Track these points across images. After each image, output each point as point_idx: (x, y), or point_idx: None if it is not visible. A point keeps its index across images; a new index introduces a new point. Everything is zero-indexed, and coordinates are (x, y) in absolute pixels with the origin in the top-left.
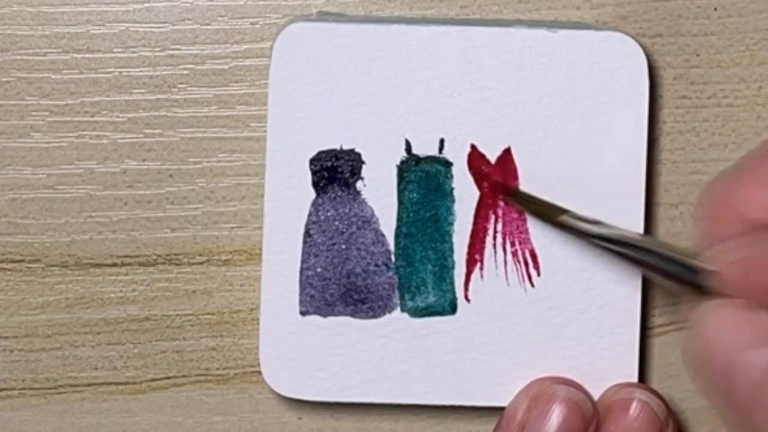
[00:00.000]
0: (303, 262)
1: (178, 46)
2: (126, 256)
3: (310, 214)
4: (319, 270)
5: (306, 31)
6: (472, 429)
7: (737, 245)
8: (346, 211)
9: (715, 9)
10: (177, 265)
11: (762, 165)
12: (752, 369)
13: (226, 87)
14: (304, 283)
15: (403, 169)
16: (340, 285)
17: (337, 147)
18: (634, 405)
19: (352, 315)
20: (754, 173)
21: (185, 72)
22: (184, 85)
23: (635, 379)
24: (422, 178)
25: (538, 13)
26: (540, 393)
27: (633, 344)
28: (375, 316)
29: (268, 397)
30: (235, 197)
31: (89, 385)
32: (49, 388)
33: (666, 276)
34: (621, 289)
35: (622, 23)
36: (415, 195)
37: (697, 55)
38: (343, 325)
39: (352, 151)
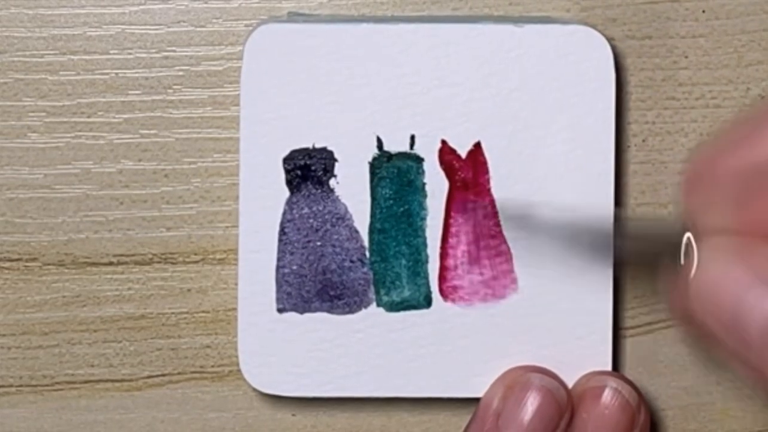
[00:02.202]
0: (279, 259)
1: (174, 48)
2: (122, 255)
3: (284, 213)
4: (294, 267)
5: (276, 32)
6: (463, 424)
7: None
8: (320, 208)
9: (704, 11)
10: (172, 263)
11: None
12: (761, 307)
13: (220, 88)
14: (281, 280)
15: (375, 166)
16: (316, 282)
17: (310, 146)
18: (606, 392)
19: (329, 311)
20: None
21: (180, 73)
22: (179, 87)
23: (609, 367)
24: (394, 174)
25: (528, 15)
26: (515, 382)
27: (606, 333)
28: (351, 312)
29: (263, 394)
30: (230, 197)
31: (86, 382)
32: (46, 385)
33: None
34: (594, 277)
35: (611, 25)
36: (387, 191)
37: (686, 57)
38: (320, 321)
39: (324, 149)
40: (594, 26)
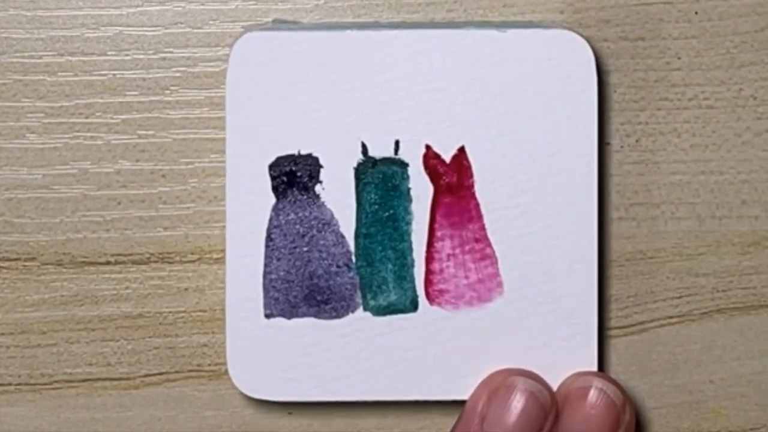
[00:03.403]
0: (266, 265)
1: (171, 49)
2: (120, 255)
3: (271, 219)
4: (282, 273)
5: (261, 39)
6: None
7: None
8: (306, 214)
9: (696, 13)
10: (169, 263)
11: None
12: None
13: (217, 89)
14: (268, 286)
15: (360, 172)
16: (303, 287)
17: (295, 152)
18: (592, 392)
19: (316, 316)
20: None
21: (177, 74)
22: (176, 88)
23: (595, 368)
24: (379, 179)
25: (522, 16)
26: (499, 385)
27: (591, 334)
28: (338, 316)
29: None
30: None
31: (84, 380)
32: (45, 384)
33: None
34: (579, 280)
35: (605, 27)
36: (372, 196)
37: (679, 58)
38: (308, 326)
39: (309, 155)
40: (584, 28)
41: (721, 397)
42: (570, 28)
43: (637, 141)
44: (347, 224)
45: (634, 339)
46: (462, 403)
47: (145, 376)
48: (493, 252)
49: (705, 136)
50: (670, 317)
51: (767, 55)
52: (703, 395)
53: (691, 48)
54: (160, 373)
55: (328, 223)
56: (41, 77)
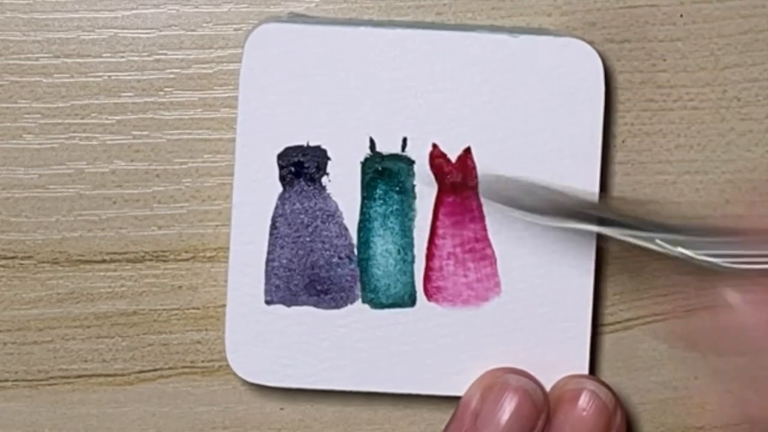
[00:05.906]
0: (269, 253)
1: (165, 51)
2: (115, 253)
3: (276, 207)
4: (284, 261)
5: (276, 31)
6: (446, 419)
7: None
8: (312, 205)
9: (681, 16)
10: (164, 261)
11: None
12: None
13: (210, 90)
14: (270, 273)
15: (366, 166)
16: (304, 276)
17: (304, 143)
18: (584, 395)
19: (315, 305)
20: None
21: (171, 76)
22: (170, 89)
23: (586, 371)
24: (385, 174)
25: (510, 19)
26: (493, 383)
27: (584, 338)
28: (337, 307)
29: (252, 388)
30: (220, 196)
31: (79, 377)
32: (41, 380)
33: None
34: (574, 284)
35: (591, 29)
36: (377, 191)
37: (664, 60)
38: (306, 314)
39: (318, 147)
40: (571, 31)
41: (705, 393)
42: (581, 37)
43: (623, 141)
44: (351, 217)
45: (620, 336)
46: (454, 399)
47: (140, 372)
48: (493, 252)
49: (690, 137)
50: (656, 315)
51: (751, 57)
52: (688, 392)
53: (676, 50)
54: (154, 370)
55: (332, 215)
56: (38, 79)
